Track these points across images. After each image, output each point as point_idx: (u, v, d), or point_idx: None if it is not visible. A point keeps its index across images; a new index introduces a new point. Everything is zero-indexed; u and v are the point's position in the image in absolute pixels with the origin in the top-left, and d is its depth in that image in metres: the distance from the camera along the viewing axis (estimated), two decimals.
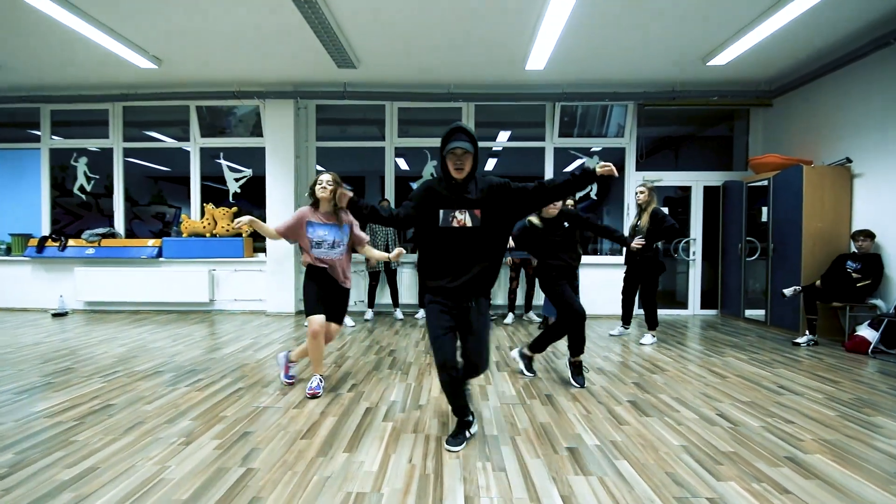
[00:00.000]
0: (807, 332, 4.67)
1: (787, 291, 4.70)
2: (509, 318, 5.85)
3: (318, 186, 3.05)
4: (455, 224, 2.20)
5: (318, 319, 3.01)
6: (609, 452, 2.22)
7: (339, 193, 2.30)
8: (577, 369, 3.36)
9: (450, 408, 2.45)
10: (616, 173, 2.13)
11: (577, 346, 3.34)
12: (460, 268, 2.21)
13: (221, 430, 2.44)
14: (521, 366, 3.55)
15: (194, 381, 3.29)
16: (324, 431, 2.44)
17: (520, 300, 6.07)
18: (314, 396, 3.01)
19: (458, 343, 2.31)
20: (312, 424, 2.53)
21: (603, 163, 2.15)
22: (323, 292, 3.10)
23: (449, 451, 2.24)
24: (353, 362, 3.88)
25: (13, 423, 2.54)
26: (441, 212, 2.22)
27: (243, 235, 6.47)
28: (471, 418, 2.39)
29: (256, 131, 6.55)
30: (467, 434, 2.35)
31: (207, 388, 3.15)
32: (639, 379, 3.45)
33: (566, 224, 3.47)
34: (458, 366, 2.27)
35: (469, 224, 2.19)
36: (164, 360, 3.90)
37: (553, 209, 3.38)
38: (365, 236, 3.25)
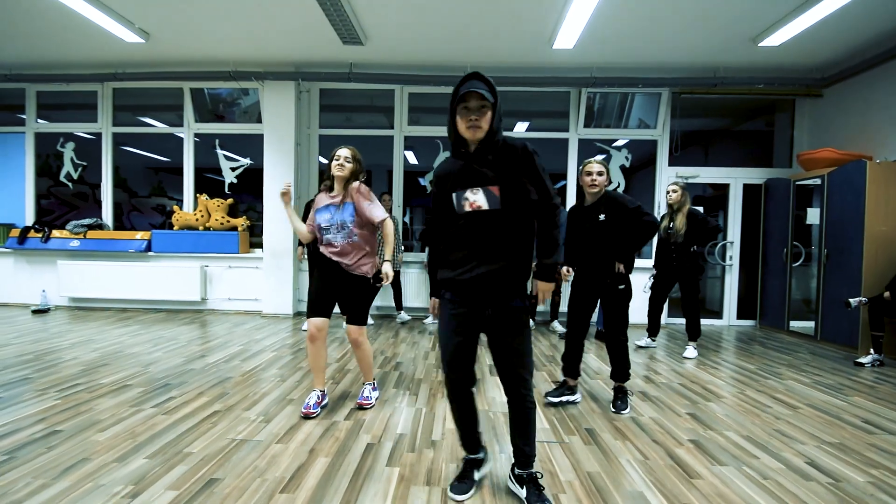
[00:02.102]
0: (871, 351, 4.08)
1: (853, 301, 4.10)
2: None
3: (334, 163, 2.62)
4: (468, 208, 1.65)
5: (314, 322, 2.58)
6: None
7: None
8: (616, 392, 2.88)
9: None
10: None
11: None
12: (475, 262, 1.66)
13: (182, 476, 1.91)
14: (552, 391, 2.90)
15: (164, 401, 2.77)
16: (311, 481, 1.90)
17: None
18: (308, 416, 2.53)
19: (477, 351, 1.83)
20: (298, 469, 1.99)
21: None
22: (327, 287, 2.63)
23: (454, 500, 1.76)
24: (353, 378, 3.34)
25: None
26: (454, 195, 1.69)
27: (239, 229, 5.96)
28: (482, 455, 1.89)
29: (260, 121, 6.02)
30: (475, 476, 1.85)
31: (177, 410, 2.63)
32: (693, 408, 2.89)
33: (601, 217, 2.66)
34: (474, 379, 1.80)
35: (485, 206, 1.64)
36: (137, 370, 3.39)
37: (593, 186, 2.66)
38: (378, 214, 2.60)
